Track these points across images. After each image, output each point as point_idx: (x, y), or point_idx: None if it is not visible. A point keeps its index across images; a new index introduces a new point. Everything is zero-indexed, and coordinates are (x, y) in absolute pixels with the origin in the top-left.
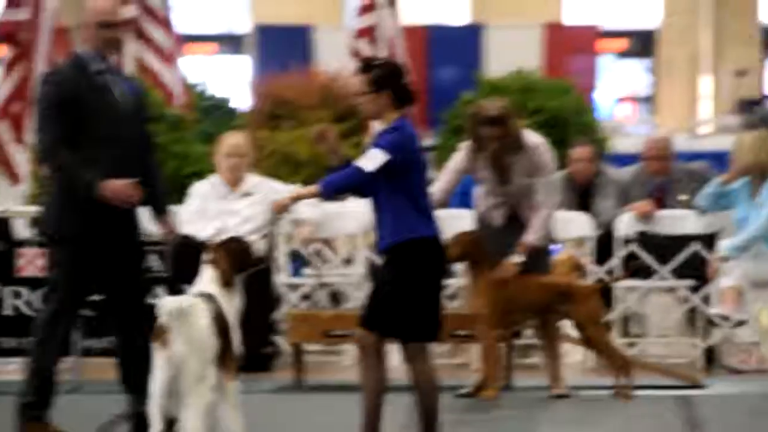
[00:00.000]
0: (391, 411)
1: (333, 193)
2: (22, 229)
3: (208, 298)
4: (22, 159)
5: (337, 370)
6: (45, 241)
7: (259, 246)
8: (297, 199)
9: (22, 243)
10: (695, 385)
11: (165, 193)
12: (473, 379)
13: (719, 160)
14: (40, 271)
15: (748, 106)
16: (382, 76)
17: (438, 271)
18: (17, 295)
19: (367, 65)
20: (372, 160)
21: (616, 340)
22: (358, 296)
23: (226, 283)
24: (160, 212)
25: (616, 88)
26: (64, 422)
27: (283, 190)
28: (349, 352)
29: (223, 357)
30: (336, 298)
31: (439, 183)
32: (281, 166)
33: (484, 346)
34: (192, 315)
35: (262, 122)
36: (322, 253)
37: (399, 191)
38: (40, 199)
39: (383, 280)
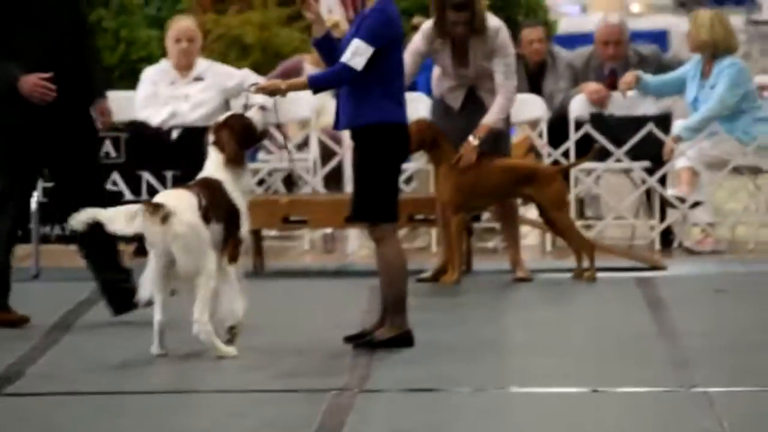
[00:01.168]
0: (353, 295)
1: (321, 90)
2: None
3: (213, 184)
4: None
5: (295, 255)
6: None
7: (258, 119)
8: (288, 88)
9: None
10: (654, 267)
11: (101, 78)
12: (433, 264)
13: (654, 39)
14: None
15: None
16: None
17: (402, 156)
18: None
19: None
20: (358, 55)
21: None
22: (312, 181)
23: (235, 162)
24: (95, 99)
25: None
26: (25, 309)
27: (234, 73)
28: (306, 237)
29: (227, 240)
30: (290, 183)
31: None
32: (229, 50)
33: (446, 231)
34: (179, 212)
35: (208, 5)
36: (274, 138)
37: (373, 74)
38: None
39: (354, 165)
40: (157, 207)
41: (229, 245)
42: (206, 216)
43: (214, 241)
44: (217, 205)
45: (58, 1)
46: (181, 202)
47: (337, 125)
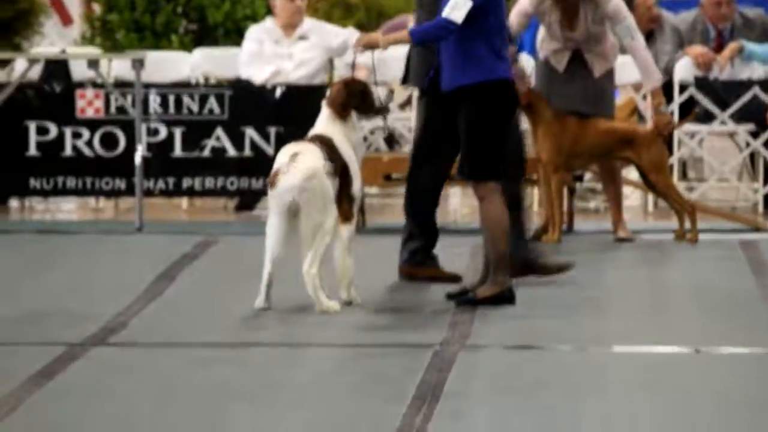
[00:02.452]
0: (454, 253)
1: (422, 43)
2: (81, 71)
3: (324, 141)
4: (73, 0)
5: (396, 213)
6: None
7: (381, 95)
8: (389, 42)
9: (81, 84)
10: (758, 229)
11: None
12: (535, 223)
13: (759, 3)
14: (98, 113)
15: None
16: None
17: (510, 113)
18: (77, 135)
19: None
20: (457, 9)
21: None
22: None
23: (341, 117)
24: None
25: None
26: (129, 261)
27: (339, 33)
28: None
29: (339, 199)
30: (392, 141)
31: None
32: (333, 10)
33: (547, 190)
34: (307, 164)
35: None
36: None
37: (476, 32)
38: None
39: (460, 123)
40: (293, 157)
41: (342, 203)
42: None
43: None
44: (332, 161)
45: None
46: (310, 155)
47: (442, 85)
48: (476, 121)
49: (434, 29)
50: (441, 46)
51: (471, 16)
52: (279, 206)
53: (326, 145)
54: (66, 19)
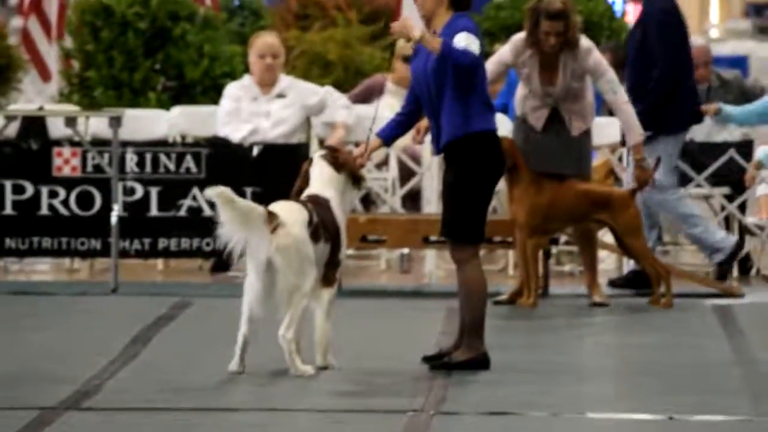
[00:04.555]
0: (429, 316)
1: (449, 54)
2: (58, 128)
3: (321, 202)
4: (52, 56)
5: (372, 275)
6: None
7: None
8: (422, 38)
9: (58, 142)
10: (731, 294)
11: None
12: (510, 286)
13: (734, 65)
14: (75, 172)
15: (757, 9)
16: None
17: (498, 171)
18: (53, 194)
19: None
20: (473, 43)
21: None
22: (390, 200)
23: (352, 173)
24: None
25: None
26: (103, 323)
27: (316, 91)
28: (384, 256)
29: (326, 263)
30: (368, 202)
31: None
32: (311, 67)
33: (522, 253)
34: (288, 225)
35: (291, 22)
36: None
37: (472, 87)
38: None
39: (449, 179)
40: (272, 215)
41: (327, 267)
42: (316, 234)
43: (319, 260)
44: (326, 225)
45: None
46: (291, 214)
47: (437, 148)
48: (463, 178)
49: (461, 52)
50: (436, 107)
51: (470, 71)
52: (254, 266)
53: (323, 206)
54: (45, 75)
